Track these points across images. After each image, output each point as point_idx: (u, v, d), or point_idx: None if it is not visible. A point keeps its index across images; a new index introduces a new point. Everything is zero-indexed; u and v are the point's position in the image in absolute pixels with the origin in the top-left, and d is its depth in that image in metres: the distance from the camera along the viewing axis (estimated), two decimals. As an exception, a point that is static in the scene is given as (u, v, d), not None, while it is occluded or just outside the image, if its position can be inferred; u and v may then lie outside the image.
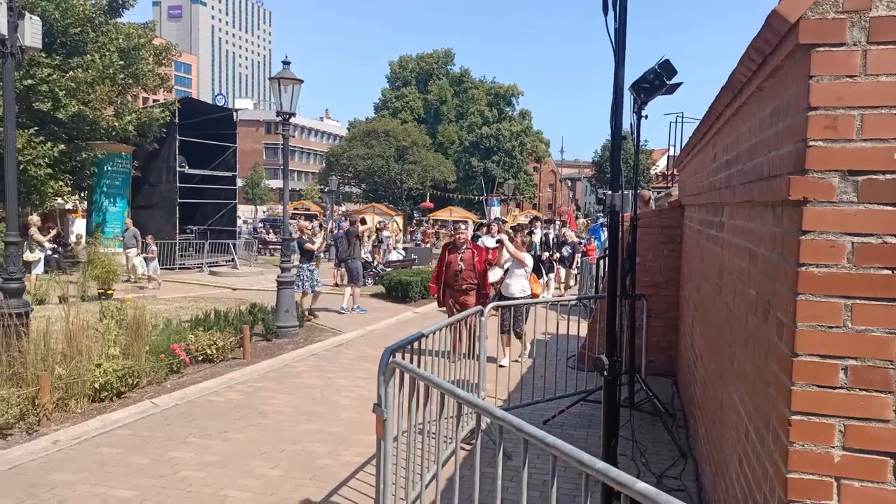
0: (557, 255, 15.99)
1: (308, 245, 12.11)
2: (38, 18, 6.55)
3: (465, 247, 8.51)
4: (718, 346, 3.95)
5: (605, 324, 6.70)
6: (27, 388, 5.66)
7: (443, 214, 42.92)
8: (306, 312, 11.44)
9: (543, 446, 2.03)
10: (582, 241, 20.51)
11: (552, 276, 15.41)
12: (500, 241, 11.63)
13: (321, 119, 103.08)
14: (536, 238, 15.12)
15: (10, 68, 6.32)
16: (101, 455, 5.19)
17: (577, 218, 39.73)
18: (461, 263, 8.38)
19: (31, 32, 6.34)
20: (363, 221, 17.13)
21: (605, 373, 2.70)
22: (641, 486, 1.64)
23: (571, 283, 17.57)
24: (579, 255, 17.39)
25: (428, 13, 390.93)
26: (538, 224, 16.83)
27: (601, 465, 1.82)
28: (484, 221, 20.49)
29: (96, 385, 6.28)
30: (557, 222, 25.33)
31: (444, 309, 9.13)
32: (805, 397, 2.10)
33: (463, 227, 9.80)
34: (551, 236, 16.36)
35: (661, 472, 4.82)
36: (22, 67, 16.14)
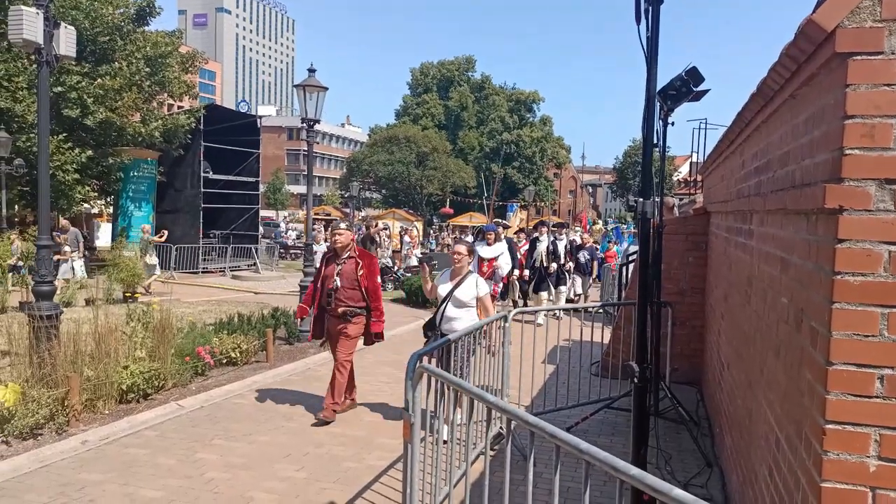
0: (571, 263, 13.61)
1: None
2: (72, 28, 6.69)
3: (347, 255, 6.38)
4: (747, 355, 3.92)
5: (628, 330, 6.68)
6: (57, 389, 5.76)
7: (462, 220, 42.95)
8: None
9: (577, 453, 2.04)
10: (599, 246, 20.17)
11: (563, 288, 13.25)
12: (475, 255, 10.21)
13: (342, 125, 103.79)
14: (542, 247, 12.98)
15: (45, 76, 6.46)
16: (128, 455, 5.26)
17: (591, 224, 39.20)
18: (337, 279, 6.27)
19: (66, 41, 6.47)
20: (376, 225, 17.22)
21: (636, 380, 2.69)
22: (678, 492, 1.65)
23: (591, 292, 15.79)
24: (597, 261, 15.87)
25: (450, 20, 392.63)
26: (544, 230, 13.60)
27: (636, 471, 1.83)
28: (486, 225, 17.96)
29: (123, 387, 6.37)
30: (575, 228, 24.48)
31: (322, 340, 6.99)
32: (840, 406, 2.08)
33: (344, 225, 6.71)
34: (563, 245, 13.49)
35: (687, 481, 4.79)
36: (53, 75, 16.47)
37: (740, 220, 4.52)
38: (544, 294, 12.88)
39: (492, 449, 4.94)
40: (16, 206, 19.95)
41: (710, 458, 5.16)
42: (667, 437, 5.65)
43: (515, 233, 15.44)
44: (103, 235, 25.59)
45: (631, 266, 10.37)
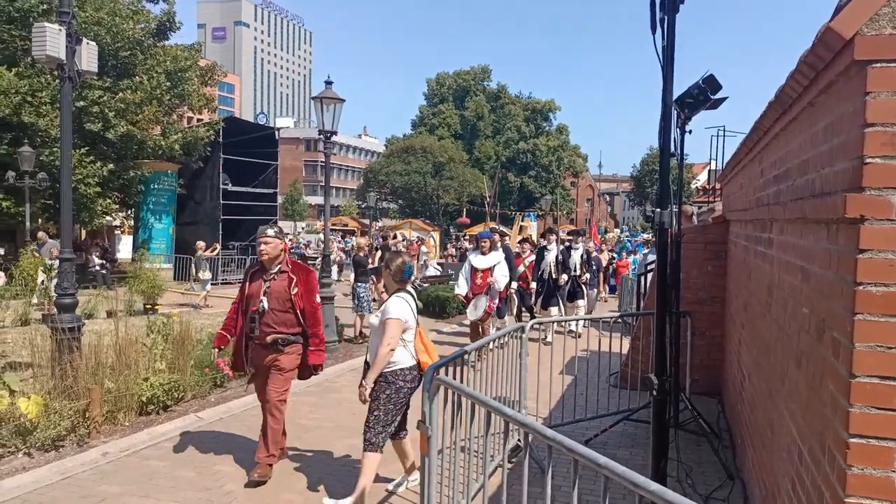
0: (588, 275, 12.33)
1: (372, 264, 12.21)
2: (94, 44, 6.81)
3: (277, 269, 5.11)
4: (768, 365, 3.87)
5: (647, 341, 6.62)
6: (78, 401, 5.82)
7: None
8: (360, 334, 11.27)
9: (595, 467, 2.02)
10: (614, 256, 19.98)
11: (581, 303, 11.98)
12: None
13: (359, 136, 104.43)
14: (551, 256, 11.57)
15: (68, 91, 6.57)
16: (148, 467, 5.30)
17: (605, 231, 38.67)
18: (264, 300, 5.02)
19: (88, 57, 6.59)
20: (394, 236, 17.28)
21: (655, 392, 2.67)
22: (697, 508, 1.62)
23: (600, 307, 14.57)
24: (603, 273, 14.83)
25: (466, 31, 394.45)
26: (553, 238, 11.96)
27: (655, 486, 1.80)
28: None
29: (143, 398, 6.42)
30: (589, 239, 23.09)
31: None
32: (864, 419, 2.04)
33: (272, 232, 5.18)
34: (579, 254, 12.06)
35: (708, 494, 4.72)
36: (75, 90, 16.78)
37: (760, 229, 4.47)
38: (554, 310, 11.41)
39: (509, 462, 4.91)
40: (39, 220, 20.27)
41: (731, 471, 5.08)
42: (687, 449, 5.58)
43: (520, 242, 13.88)
44: (124, 248, 25.91)
45: (649, 276, 10.29)
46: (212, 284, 17.33)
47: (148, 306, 13.65)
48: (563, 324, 10.74)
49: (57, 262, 13.84)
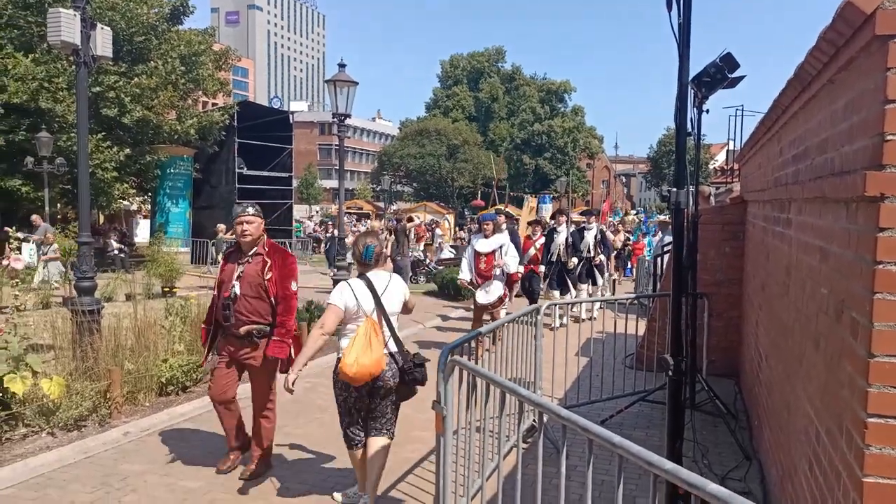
0: (602, 257, 11.63)
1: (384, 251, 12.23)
2: (108, 29, 6.83)
3: (253, 251, 4.67)
4: (786, 346, 3.84)
5: (664, 322, 6.59)
6: (99, 382, 5.92)
7: (514, 214, 42.73)
8: None
9: (610, 446, 2.02)
10: (630, 238, 19.75)
11: (595, 286, 11.53)
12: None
13: (373, 119, 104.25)
14: (560, 238, 11.10)
15: (84, 77, 6.61)
16: (168, 447, 5.38)
17: (623, 214, 38.14)
18: (236, 285, 4.58)
19: (102, 42, 6.61)
20: (410, 219, 17.28)
21: (670, 373, 2.66)
22: (714, 487, 1.62)
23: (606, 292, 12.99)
24: (611, 256, 13.12)
25: (480, 11, 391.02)
26: (563, 219, 11.41)
27: (670, 465, 1.80)
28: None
29: (163, 379, 6.51)
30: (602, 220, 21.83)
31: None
32: (882, 399, 2.03)
33: (253, 210, 4.76)
34: (592, 235, 11.44)
35: (725, 474, 4.72)
36: (91, 75, 16.90)
37: (778, 209, 4.43)
38: (556, 294, 11.10)
39: (524, 442, 4.94)
40: (58, 205, 20.50)
41: (748, 452, 5.08)
42: (703, 430, 5.57)
43: (529, 223, 12.92)
44: (141, 232, 26.17)
45: (666, 257, 10.23)
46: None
47: (166, 289, 13.78)
48: (574, 310, 10.39)
49: (53, 246, 13.98)
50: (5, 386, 5.12)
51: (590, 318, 10.15)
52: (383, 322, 4.06)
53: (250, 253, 4.69)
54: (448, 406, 3.39)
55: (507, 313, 9.17)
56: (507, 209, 10.50)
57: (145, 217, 27.52)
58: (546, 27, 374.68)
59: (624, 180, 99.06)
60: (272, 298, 4.60)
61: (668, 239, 10.66)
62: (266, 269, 4.60)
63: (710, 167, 50.52)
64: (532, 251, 11.32)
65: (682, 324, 2.93)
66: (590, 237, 11.42)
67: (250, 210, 4.74)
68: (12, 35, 18.25)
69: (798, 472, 3.18)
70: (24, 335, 5.52)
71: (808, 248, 3.20)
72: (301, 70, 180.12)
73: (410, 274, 15.19)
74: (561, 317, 9.63)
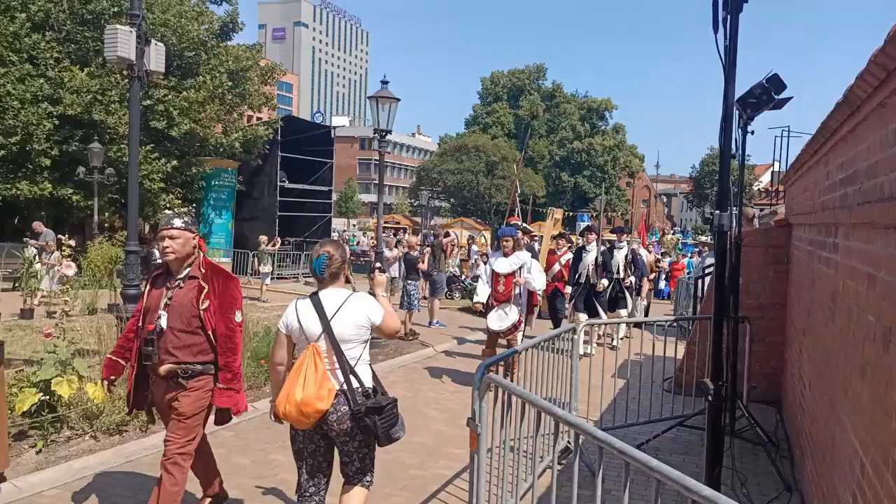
0: (633, 278, 10.79)
1: (421, 265, 12.33)
2: (161, 45, 7.07)
3: (185, 273, 3.79)
4: (830, 375, 3.74)
5: (704, 346, 6.47)
6: (142, 388, 6.04)
7: (531, 229, 42.57)
8: (409, 332, 11.20)
9: (647, 470, 2.00)
10: (667, 259, 19.42)
11: (623, 312, 10.59)
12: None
13: (413, 135, 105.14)
14: (590, 257, 10.15)
15: (137, 91, 6.85)
16: (206, 454, 5.46)
17: (659, 234, 37.29)
18: (163, 315, 3.69)
19: (156, 58, 6.85)
20: (447, 235, 17.33)
21: (710, 398, 2.62)
22: (752, 516, 1.59)
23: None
24: (646, 279, 12.74)
25: (522, 29, 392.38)
26: (592, 237, 10.40)
27: (708, 491, 1.78)
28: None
29: (203, 388, 6.62)
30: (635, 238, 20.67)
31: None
32: (932, 433, 1.96)
33: (180, 222, 3.80)
34: (623, 255, 10.63)
35: (764, 505, 4.60)
36: (142, 89, 17.50)
37: (824, 234, 4.33)
38: (583, 317, 9.82)
39: (559, 463, 4.88)
40: (106, 213, 21.14)
41: (789, 482, 4.93)
42: (743, 457, 5.44)
43: (554, 238, 11.91)
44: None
45: (707, 279, 10.05)
46: (270, 279, 17.89)
47: (206, 298, 14.03)
48: (602, 336, 9.89)
49: (55, 253, 14.18)
50: (52, 389, 5.27)
51: (612, 347, 9.82)
52: (335, 351, 3.30)
53: (181, 275, 3.78)
54: (482, 423, 3.38)
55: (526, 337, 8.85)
56: (523, 224, 9.29)
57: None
58: (588, 46, 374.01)
59: (665, 200, 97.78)
60: (209, 333, 3.71)
61: (710, 261, 10.45)
62: (202, 296, 3.72)
63: (755, 188, 49.60)
64: (556, 267, 10.67)
65: (723, 348, 2.88)
66: (619, 256, 10.62)
67: (176, 222, 3.77)
68: (70, 49, 19.00)
69: (842, 505, 3.09)
70: (71, 340, 5.68)
71: (856, 274, 3.12)
72: (343, 86, 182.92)
73: (446, 289, 15.22)
74: (586, 343, 9.18)
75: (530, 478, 4.38)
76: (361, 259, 31.26)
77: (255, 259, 17.41)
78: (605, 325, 8.66)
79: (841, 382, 3.37)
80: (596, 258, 10.11)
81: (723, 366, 2.76)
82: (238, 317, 3.84)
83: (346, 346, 3.32)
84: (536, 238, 16.35)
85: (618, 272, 10.50)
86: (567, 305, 10.47)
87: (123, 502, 4.51)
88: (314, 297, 3.39)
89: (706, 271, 10.37)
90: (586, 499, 4.12)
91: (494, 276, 7.92)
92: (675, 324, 8.40)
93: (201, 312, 3.70)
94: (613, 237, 12.20)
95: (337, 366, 3.31)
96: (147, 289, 3.92)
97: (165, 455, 3.78)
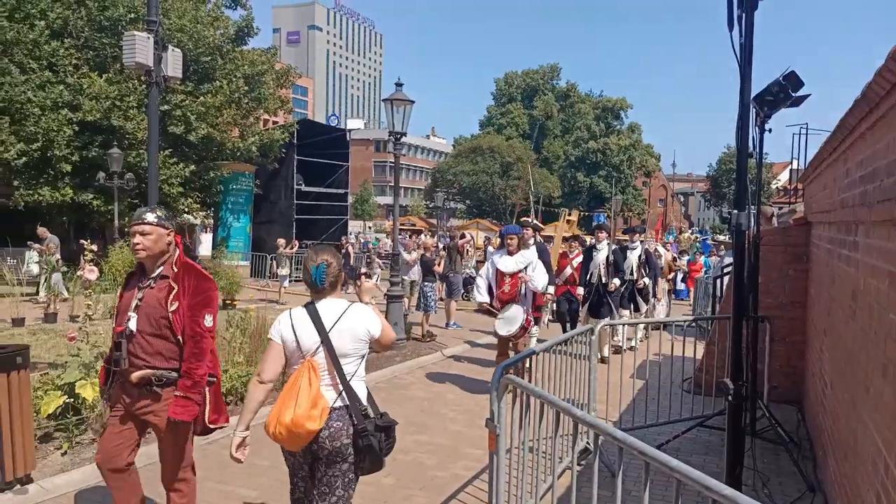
0: (647, 279, 10.37)
1: (436, 267, 12.37)
2: (179, 51, 7.16)
3: (158, 271, 3.56)
4: (851, 374, 3.71)
5: (723, 346, 6.44)
6: (163, 390, 6.11)
7: (547, 230, 42.53)
8: (427, 333, 11.26)
9: (667, 470, 2.00)
10: (684, 258, 19.06)
11: (635, 312, 10.27)
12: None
13: (427, 136, 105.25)
14: (601, 257, 9.76)
15: (155, 96, 6.94)
16: (226, 456, 5.49)
17: (676, 232, 36.79)
18: (132, 317, 3.49)
19: (173, 63, 6.94)
20: (462, 236, 17.34)
21: (730, 397, 2.61)
22: (774, 515, 1.59)
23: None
24: (662, 280, 12.67)
25: (536, 29, 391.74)
26: (603, 236, 10.01)
27: (729, 491, 1.78)
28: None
29: (223, 390, 6.68)
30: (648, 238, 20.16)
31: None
32: (957, 432, 1.95)
33: (153, 216, 3.51)
34: (636, 255, 10.29)
35: (786, 505, 4.56)
36: (160, 94, 17.69)
37: (844, 232, 4.29)
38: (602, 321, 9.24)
39: (578, 464, 4.88)
40: (125, 218, 21.40)
41: (811, 482, 4.89)
42: (764, 458, 5.40)
43: (566, 240, 11.62)
44: (204, 245, 27.02)
45: (726, 279, 9.97)
46: (288, 281, 18.08)
47: (227, 302, 14.20)
48: (615, 338, 9.49)
49: (56, 255, 14.45)
50: (76, 391, 5.36)
51: (630, 349, 9.46)
52: (332, 365, 3.09)
53: (154, 275, 3.54)
54: (501, 424, 3.39)
55: (539, 340, 8.49)
56: (534, 221, 8.82)
57: (207, 231, 28.42)
58: (602, 45, 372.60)
59: (682, 199, 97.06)
60: (178, 336, 3.45)
61: (729, 260, 10.36)
62: (171, 296, 3.46)
63: (773, 187, 49.12)
64: (568, 270, 10.37)
65: (742, 347, 2.87)
66: (633, 257, 10.25)
67: (148, 216, 3.51)
68: (88, 56, 19.25)
69: (865, 505, 3.06)
70: (94, 343, 5.76)
71: (877, 272, 3.10)
72: (358, 88, 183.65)
73: (462, 291, 15.23)
74: (605, 346, 8.93)
75: (549, 478, 4.39)
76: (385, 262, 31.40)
77: (274, 262, 17.62)
78: (624, 325, 8.58)
79: (862, 381, 3.34)
80: (607, 257, 9.76)
81: (743, 365, 2.75)
82: (208, 320, 3.53)
83: (344, 360, 3.11)
84: (548, 239, 16.05)
85: (631, 273, 10.15)
86: (581, 309, 10.03)
87: (147, 503, 4.56)
88: (310, 307, 3.13)
89: (725, 271, 10.28)
90: (606, 499, 4.12)
91: (499, 276, 7.52)
92: (694, 324, 8.32)
93: (170, 314, 3.43)
94: (626, 238, 11.77)
95: (332, 382, 3.10)
96: (121, 290, 3.74)
97: (165, 477, 3.65)
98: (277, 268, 17.19)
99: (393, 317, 10.18)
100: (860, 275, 3.60)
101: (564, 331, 9.86)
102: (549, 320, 10.95)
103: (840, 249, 4.50)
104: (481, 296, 7.68)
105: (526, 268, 7.36)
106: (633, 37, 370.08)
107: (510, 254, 7.45)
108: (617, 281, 9.75)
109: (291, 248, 18.29)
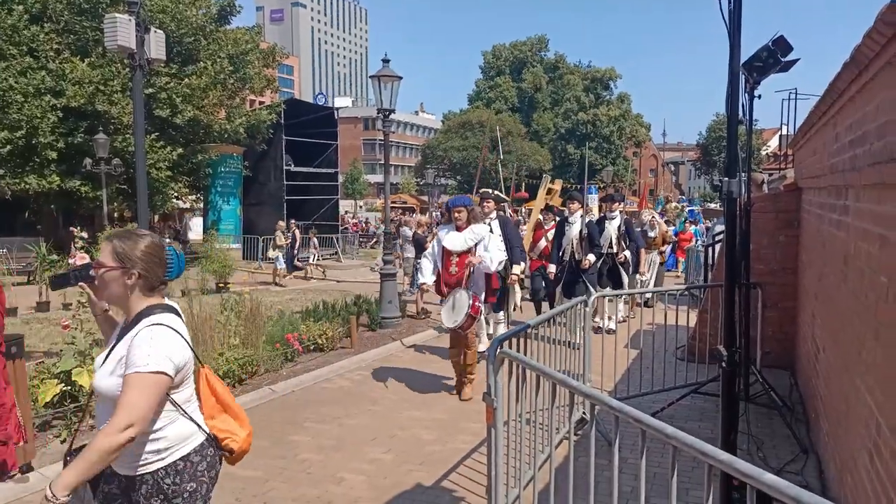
0: (627, 253, 9.43)
1: (427, 245, 12.35)
2: (161, 32, 7.05)
3: None
4: (843, 337, 3.75)
5: (716, 314, 6.47)
6: (160, 375, 6.13)
7: (506, 199, 42.21)
8: (421, 310, 11.29)
9: (663, 437, 2.02)
10: (673, 229, 18.64)
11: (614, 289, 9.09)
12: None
13: (416, 113, 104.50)
14: (574, 230, 8.72)
15: (139, 80, 6.84)
16: (227, 437, 5.55)
17: (663, 203, 36.41)
18: None
19: (156, 45, 6.83)
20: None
21: (724, 364, 2.64)
22: (769, 477, 1.61)
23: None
24: (654, 252, 12.21)
25: (521, 2, 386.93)
26: (575, 206, 8.91)
27: (725, 455, 1.80)
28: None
29: (220, 372, 6.70)
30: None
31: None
32: (947, 391, 1.98)
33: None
34: (615, 226, 9.45)
35: (781, 467, 4.63)
36: (144, 77, 17.47)
37: (835, 196, 4.31)
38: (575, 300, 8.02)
39: (575, 434, 4.93)
40: (114, 203, 21.25)
41: (805, 445, 4.97)
42: (758, 422, 5.47)
43: (542, 210, 10.44)
44: (194, 229, 26.92)
45: (717, 247, 10.01)
46: (268, 263, 18.42)
47: (220, 285, 14.18)
48: (595, 319, 7.73)
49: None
50: (73, 379, 5.36)
51: (609, 331, 8.43)
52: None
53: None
54: (498, 397, 3.42)
55: (489, 334, 7.93)
56: (495, 192, 8.02)
57: (198, 215, 28.28)
58: (589, 14, 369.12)
59: (672, 168, 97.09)
60: None
61: (720, 228, 10.36)
62: None
63: (763, 153, 49.13)
64: (542, 243, 9.62)
65: (735, 314, 2.89)
66: (612, 229, 9.34)
67: None
68: (69, 40, 18.96)
69: (858, 465, 3.11)
70: (89, 331, 5.76)
71: (867, 236, 3.11)
72: (344, 66, 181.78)
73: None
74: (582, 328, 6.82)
75: (547, 449, 4.44)
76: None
77: (271, 244, 17.87)
78: (618, 296, 8.46)
79: (855, 344, 3.37)
80: (580, 231, 8.67)
81: (736, 332, 2.78)
82: None
83: None
84: (517, 211, 14.83)
85: (610, 246, 9.27)
86: (557, 290, 9.01)
87: None
88: (173, 311, 2.34)
89: (716, 238, 10.32)
90: (603, 467, 4.18)
91: (445, 255, 6.53)
92: (686, 292, 8.35)
93: None
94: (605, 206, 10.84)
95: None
96: None
97: None
98: (270, 250, 17.49)
99: (387, 295, 10.20)
100: (851, 239, 3.62)
101: (538, 313, 8.95)
102: (520, 300, 9.63)
103: (830, 214, 4.51)
104: (424, 277, 6.74)
105: (477, 245, 6.42)
106: (622, 5, 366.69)
107: (458, 229, 6.48)
108: (592, 257, 8.70)
109: (287, 240, 18.35)
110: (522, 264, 7.74)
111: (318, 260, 19.42)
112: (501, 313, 8.21)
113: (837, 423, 3.85)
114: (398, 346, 9.10)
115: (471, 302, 6.14)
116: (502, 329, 7.54)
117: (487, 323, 8.35)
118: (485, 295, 6.68)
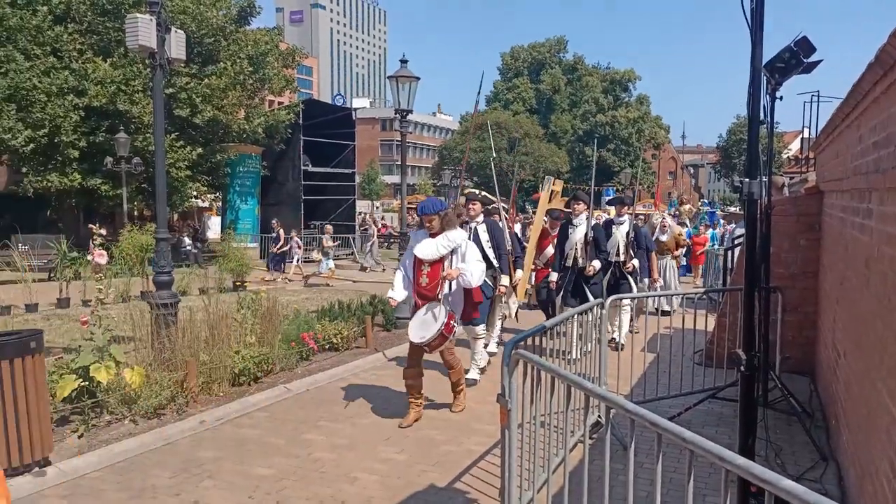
0: (635, 262, 8.55)
1: None
2: (182, 32, 7.10)
3: None
4: (866, 342, 3.68)
5: (735, 318, 6.40)
6: (176, 373, 6.18)
7: (555, 205, 42.23)
8: None
9: (680, 441, 1.99)
10: (686, 230, 18.16)
11: (625, 302, 8.14)
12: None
13: (433, 114, 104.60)
14: (578, 235, 8.02)
15: (160, 80, 6.90)
16: (241, 435, 5.58)
17: (676, 204, 35.76)
18: None
19: (176, 45, 6.88)
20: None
21: (742, 368, 2.59)
22: (787, 483, 1.58)
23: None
24: (667, 258, 11.68)
25: (540, 3, 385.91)
26: (580, 207, 8.18)
27: (742, 461, 1.77)
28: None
29: (235, 370, 6.75)
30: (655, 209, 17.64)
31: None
32: (974, 399, 1.93)
33: None
34: (624, 231, 8.60)
35: (800, 475, 4.56)
36: (165, 77, 17.67)
37: (857, 199, 4.23)
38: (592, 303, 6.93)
39: (590, 437, 4.89)
40: (134, 202, 21.48)
41: (824, 452, 4.89)
42: (777, 428, 5.40)
43: (548, 212, 9.63)
44: (213, 228, 27.14)
45: (737, 250, 9.90)
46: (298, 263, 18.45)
47: (237, 283, 14.27)
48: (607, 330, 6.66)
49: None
50: (91, 375, 5.41)
51: (617, 347, 7.92)
52: None
53: None
54: (512, 399, 3.40)
55: (475, 353, 7.10)
56: (482, 193, 8.22)
57: (216, 214, 28.49)
58: (609, 15, 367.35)
59: (691, 171, 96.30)
60: None
61: (740, 231, 10.21)
62: None
63: (784, 156, 48.56)
64: (550, 250, 8.96)
65: (754, 318, 2.85)
66: (619, 234, 8.56)
67: None
68: (92, 40, 19.22)
69: (879, 473, 3.05)
70: (107, 327, 5.81)
71: (891, 240, 3.05)
72: (363, 67, 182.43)
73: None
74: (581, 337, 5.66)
75: (562, 452, 4.40)
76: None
77: (318, 248, 18.36)
78: (635, 299, 8.23)
79: (877, 350, 3.31)
80: (585, 234, 7.94)
81: (755, 336, 2.73)
82: None
83: None
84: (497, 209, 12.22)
85: (617, 254, 8.48)
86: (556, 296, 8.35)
87: (164, 482, 4.63)
88: None
89: (736, 242, 10.20)
90: (618, 472, 4.14)
91: (417, 265, 5.85)
92: (704, 296, 8.24)
93: None
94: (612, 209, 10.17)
95: None
96: None
97: None
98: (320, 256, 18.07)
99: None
100: (874, 242, 3.55)
101: (548, 319, 7.99)
102: (516, 310, 8.91)
103: (853, 217, 4.44)
104: (393, 291, 6.01)
105: (452, 253, 5.70)
106: (641, 7, 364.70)
107: (432, 236, 5.75)
108: (597, 264, 7.88)
109: (335, 241, 18.63)
110: (519, 272, 7.64)
111: (300, 262, 18.85)
112: (482, 327, 7.14)
113: (858, 430, 3.79)
114: (404, 348, 9.07)
115: (445, 320, 5.48)
116: (480, 345, 7.06)
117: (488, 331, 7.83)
118: (465, 310, 6.02)
